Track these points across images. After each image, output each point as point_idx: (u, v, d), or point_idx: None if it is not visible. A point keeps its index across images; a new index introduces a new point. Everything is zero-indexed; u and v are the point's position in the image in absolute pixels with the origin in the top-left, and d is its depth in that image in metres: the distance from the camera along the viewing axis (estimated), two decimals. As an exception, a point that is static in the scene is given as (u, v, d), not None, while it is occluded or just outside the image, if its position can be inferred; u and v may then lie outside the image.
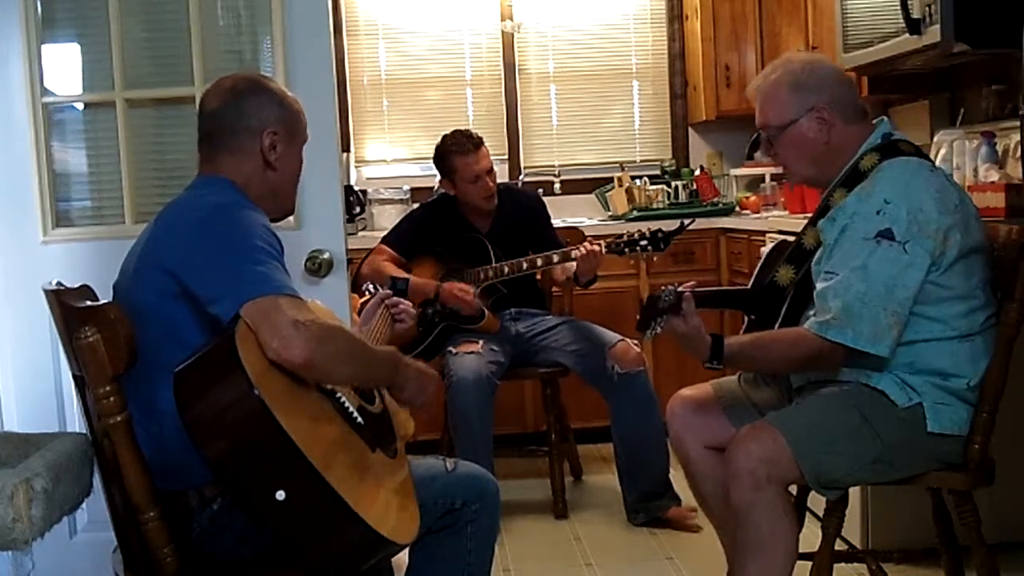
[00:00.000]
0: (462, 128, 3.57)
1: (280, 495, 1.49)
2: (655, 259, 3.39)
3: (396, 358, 1.81)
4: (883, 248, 1.94)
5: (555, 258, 3.38)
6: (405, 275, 3.32)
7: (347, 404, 1.71)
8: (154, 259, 1.72)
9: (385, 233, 3.72)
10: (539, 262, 3.41)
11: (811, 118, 2.11)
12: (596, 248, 3.27)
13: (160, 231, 1.77)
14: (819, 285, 2.02)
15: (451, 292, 3.42)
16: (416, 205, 3.92)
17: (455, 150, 3.48)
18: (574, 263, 3.34)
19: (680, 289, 1.99)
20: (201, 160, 1.86)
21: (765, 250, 2.42)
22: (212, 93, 1.87)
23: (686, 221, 3.28)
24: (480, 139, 3.52)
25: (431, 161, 3.61)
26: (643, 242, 3.24)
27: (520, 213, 3.62)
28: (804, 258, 2.17)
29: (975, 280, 2.03)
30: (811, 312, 2.13)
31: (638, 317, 1.99)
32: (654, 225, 3.29)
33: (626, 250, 3.27)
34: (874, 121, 2.17)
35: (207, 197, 1.77)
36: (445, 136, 3.55)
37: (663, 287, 1.98)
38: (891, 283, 1.94)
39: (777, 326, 2.17)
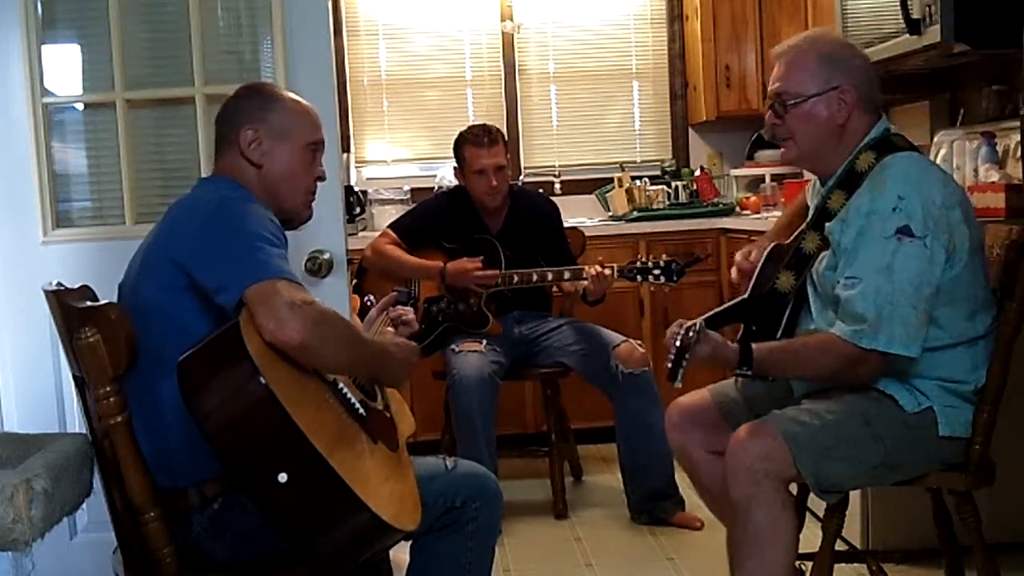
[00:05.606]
0: (489, 124, 3.56)
1: (282, 477, 1.49)
2: (667, 290, 3.37)
3: (386, 348, 1.84)
4: (905, 246, 1.91)
5: (566, 275, 3.39)
6: (408, 289, 3.34)
7: (350, 396, 1.72)
8: (163, 253, 1.74)
9: (393, 219, 3.69)
10: (550, 276, 3.41)
11: (832, 96, 2.05)
12: (607, 272, 3.27)
13: (167, 226, 1.80)
14: (843, 293, 1.97)
15: (457, 270, 3.39)
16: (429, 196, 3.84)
17: (469, 139, 3.48)
18: (583, 281, 3.33)
19: (696, 323, 1.93)
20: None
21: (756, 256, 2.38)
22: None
23: (700, 255, 3.30)
24: (499, 136, 3.50)
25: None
26: (656, 271, 3.25)
27: (534, 218, 3.60)
28: (803, 263, 2.13)
29: (979, 281, 2.02)
30: (812, 326, 2.10)
31: (668, 366, 1.91)
32: (669, 256, 3.29)
33: (638, 277, 3.27)
34: None
35: (212, 193, 1.82)
36: (469, 126, 3.56)
37: (682, 326, 1.91)
38: (917, 280, 1.91)
39: (779, 334, 2.13)
